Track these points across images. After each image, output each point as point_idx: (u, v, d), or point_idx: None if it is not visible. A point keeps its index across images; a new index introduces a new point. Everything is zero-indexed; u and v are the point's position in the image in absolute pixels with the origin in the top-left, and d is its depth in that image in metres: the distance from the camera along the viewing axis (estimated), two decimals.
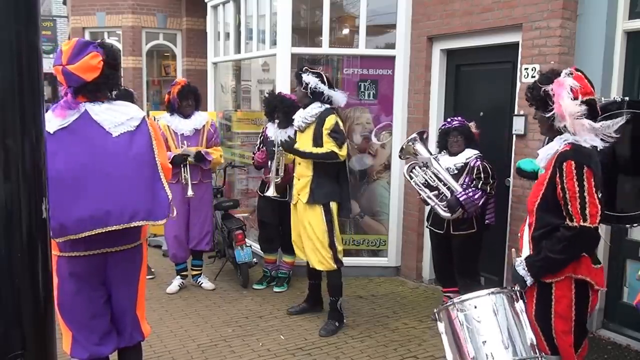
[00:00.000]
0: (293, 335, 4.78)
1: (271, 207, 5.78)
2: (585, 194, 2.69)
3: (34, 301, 1.47)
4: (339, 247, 4.81)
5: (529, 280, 2.87)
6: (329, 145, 4.61)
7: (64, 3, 14.23)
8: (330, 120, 4.63)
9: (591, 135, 2.76)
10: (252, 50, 7.08)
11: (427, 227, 5.23)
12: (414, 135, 4.90)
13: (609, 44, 4.51)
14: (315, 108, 4.68)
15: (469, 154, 4.75)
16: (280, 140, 4.86)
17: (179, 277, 5.94)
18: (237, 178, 7.59)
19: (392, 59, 6.16)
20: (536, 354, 2.77)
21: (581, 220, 2.71)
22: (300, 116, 4.76)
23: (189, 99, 5.68)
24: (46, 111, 3.06)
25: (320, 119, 4.66)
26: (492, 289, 2.95)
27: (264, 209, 5.93)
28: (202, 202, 5.77)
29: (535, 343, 2.79)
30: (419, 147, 4.81)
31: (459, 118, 4.88)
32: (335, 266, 4.78)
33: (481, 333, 2.78)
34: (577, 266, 2.78)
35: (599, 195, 2.73)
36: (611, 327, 4.67)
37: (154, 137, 3.06)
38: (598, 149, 2.80)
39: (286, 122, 5.60)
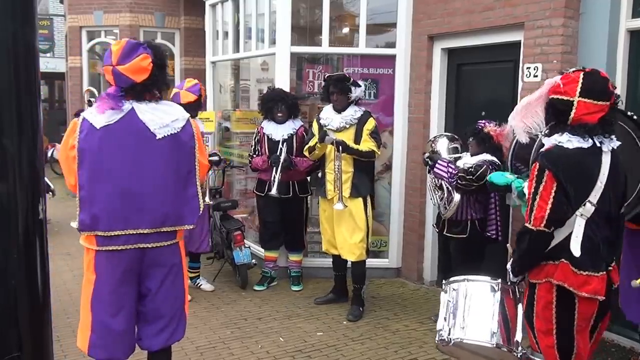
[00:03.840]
0: (292, 337, 4.74)
1: (274, 204, 5.75)
2: (537, 196, 2.74)
3: (31, 302, 1.48)
4: (370, 240, 5.25)
5: (510, 275, 3.01)
6: (369, 145, 5.04)
7: (61, 2, 14.18)
8: (372, 123, 5.12)
9: (575, 137, 2.76)
10: (251, 49, 7.05)
11: (433, 225, 5.31)
12: (448, 133, 5.17)
13: (612, 43, 4.47)
14: (358, 111, 5.14)
15: (482, 158, 4.60)
16: (335, 141, 4.96)
17: None
18: (236, 178, 7.54)
19: (392, 58, 6.12)
20: (492, 341, 2.97)
21: (528, 222, 2.79)
22: (342, 118, 5.11)
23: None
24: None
25: (362, 121, 5.09)
26: (470, 276, 3.26)
27: (265, 208, 5.90)
28: None
29: (495, 332, 2.98)
30: (440, 142, 4.90)
31: (483, 121, 4.75)
32: (366, 256, 5.22)
33: (450, 312, 3.17)
34: (555, 271, 2.79)
35: (561, 200, 2.73)
36: (614, 329, 4.62)
37: (197, 140, 3.11)
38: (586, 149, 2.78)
39: (287, 117, 5.67)
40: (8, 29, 1.36)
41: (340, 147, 4.93)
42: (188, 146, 3.07)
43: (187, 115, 3.13)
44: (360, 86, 5.20)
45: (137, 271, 3.05)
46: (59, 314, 4.85)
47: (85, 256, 3.06)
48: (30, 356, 1.47)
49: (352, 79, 5.18)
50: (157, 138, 2.96)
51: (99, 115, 2.91)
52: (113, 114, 2.92)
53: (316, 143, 5.16)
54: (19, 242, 1.44)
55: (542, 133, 3.03)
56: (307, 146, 5.30)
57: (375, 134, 5.09)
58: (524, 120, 2.94)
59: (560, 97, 2.79)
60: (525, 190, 3.52)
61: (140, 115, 2.96)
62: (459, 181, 4.54)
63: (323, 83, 5.34)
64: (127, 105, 2.96)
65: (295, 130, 5.73)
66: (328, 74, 5.36)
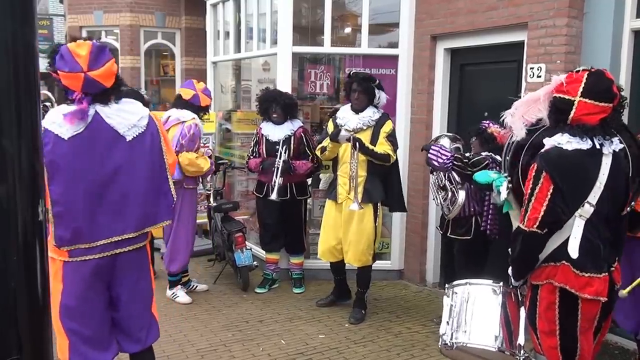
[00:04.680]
0: (294, 339, 4.70)
1: (272, 206, 5.70)
2: (533, 197, 2.74)
3: (31, 305, 1.45)
4: (376, 245, 5.14)
5: (512, 280, 3.01)
6: (385, 148, 4.91)
7: (61, 1, 14.16)
8: (389, 125, 5.00)
9: (574, 138, 2.73)
10: (253, 49, 7.00)
11: (436, 227, 5.27)
12: (450, 133, 5.11)
13: (616, 43, 4.44)
14: (377, 113, 5.00)
15: (485, 154, 4.56)
16: (353, 138, 4.79)
17: (180, 286, 5.66)
18: (237, 180, 7.49)
19: (395, 58, 6.08)
20: (495, 345, 2.99)
21: (521, 222, 2.80)
22: (360, 119, 4.97)
23: None
24: (45, 111, 3.02)
25: (379, 123, 4.97)
26: (472, 280, 3.27)
27: (264, 209, 5.85)
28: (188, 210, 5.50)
29: (498, 335, 3.01)
30: (442, 142, 4.82)
31: (487, 121, 4.72)
32: (372, 262, 5.12)
33: (452, 315, 3.18)
34: (556, 272, 2.77)
35: (557, 202, 2.71)
36: (618, 332, 4.59)
37: (161, 133, 3.07)
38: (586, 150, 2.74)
39: (284, 118, 5.59)
40: (7, 29, 1.34)
41: (357, 144, 4.76)
42: (156, 142, 3.03)
43: (148, 111, 3.08)
44: (383, 90, 5.05)
45: (108, 277, 2.98)
46: None
47: (51, 265, 2.90)
48: (30, 358, 1.44)
49: (377, 81, 5.01)
50: (127, 140, 2.89)
51: (65, 125, 2.78)
52: (80, 122, 2.81)
53: (329, 142, 5.02)
54: (18, 243, 1.41)
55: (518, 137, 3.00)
56: (319, 146, 5.18)
57: (392, 138, 4.97)
58: (525, 116, 2.91)
59: (562, 96, 2.78)
60: (501, 189, 3.56)
61: (106, 119, 2.87)
62: (454, 162, 4.44)
63: (347, 79, 5.15)
64: (91, 111, 2.86)
65: (293, 132, 5.64)
66: (354, 71, 5.15)
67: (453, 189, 4.66)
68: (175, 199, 3.10)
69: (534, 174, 2.76)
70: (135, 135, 2.92)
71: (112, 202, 2.87)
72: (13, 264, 1.39)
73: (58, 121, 2.78)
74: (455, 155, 4.44)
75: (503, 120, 3.12)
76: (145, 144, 2.97)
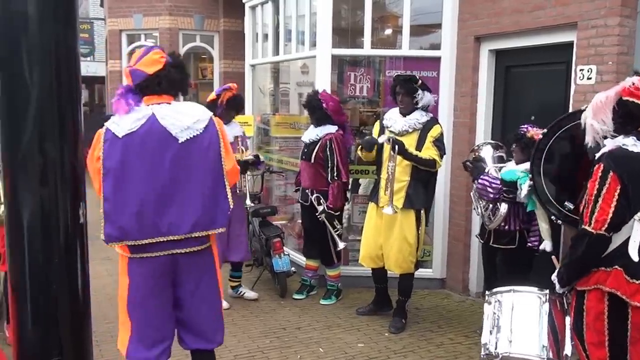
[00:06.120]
0: (333, 348, 4.61)
1: (305, 212, 5.66)
2: (600, 198, 2.67)
3: (72, 306, 1.47)
4: (419, 253, 5.02)
5: (557, 286, 2.93)
6: (431, 152, 4.76)
7: (101, 5, 14.40)
8: (437, 129, 4.84)
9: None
10: (291, 51, 6.95)
11: (476, 236, 5.11)
12: (492, 141, 5.01)
13: None
14: (424, 116, 4.86)
15: (528, 167, 4.32)
16: (392, 140, 4.64)
17: None
18: (275, 184, 7.43)
19: (437, 60, 5.94)
20: (543, 355, 2.94)
21: (587, 224, 2.70)
22: (406, 122, 4.84)
23: (235, 109, 5.57)
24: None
25: (427, 127, 4.82)
26: (516, 287, 3.23)
27: (302, 214, 5.85)
28: (239, 211, 5.48)
29: (546, 345, 2.97)
30: (485, 150, 4.72)
31: (526, 126, 4.55)
32: (414, 270, 5.01)
33: (496, 324, 3.13)
34: (607, 277, 2.69)
35: (623, 203, 2.64)
36: None
37: (222, 138, 3.04)
38: None
39: (316, 121, 5.51)
40: (50, 33, 1.34)
41: (397, 147, 4.60)
42: (214, 146, 2.99)
43: (210, 114, 3.06)
44: (430, 91, 4.91)
45: (170, 277, 3.02)
46: (98, 318, 4.81)
47: (120, 260, 3.06)
48: (71, 359, 1.48)
49: (421, 81, 4.87)
50: (180, 142, 2.90)
51: (122, 122, 2.87)
52: (135, 120, 2.87)
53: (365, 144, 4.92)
54: (60, 246, 1.42)
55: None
56: (359, 147, 5.08)
57: (439, 142, 4.81)
58: (594, 118, 2.80)
59: (637, 101, 2.69)
60: (523, 187, 3.63)
61: (160, 120, 2.90)
62: (504, 195, 4.36)
63: (392, 82, 5.06)
64: (147, 111, 2.91)
65: (318, 137, 5.44)
66: (396, 74, 5.14)
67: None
68: (231, 206, 3.05)
69: (600, 174, 2.69)
70: (189, 137, 2.91)
71: (161, 203, 2.88)
72: (55, 267, 1.41)
73: (116, 120, 2.89)
74: (505, 188, 4.34)
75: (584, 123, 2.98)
76: (201, 147, 2.94)
